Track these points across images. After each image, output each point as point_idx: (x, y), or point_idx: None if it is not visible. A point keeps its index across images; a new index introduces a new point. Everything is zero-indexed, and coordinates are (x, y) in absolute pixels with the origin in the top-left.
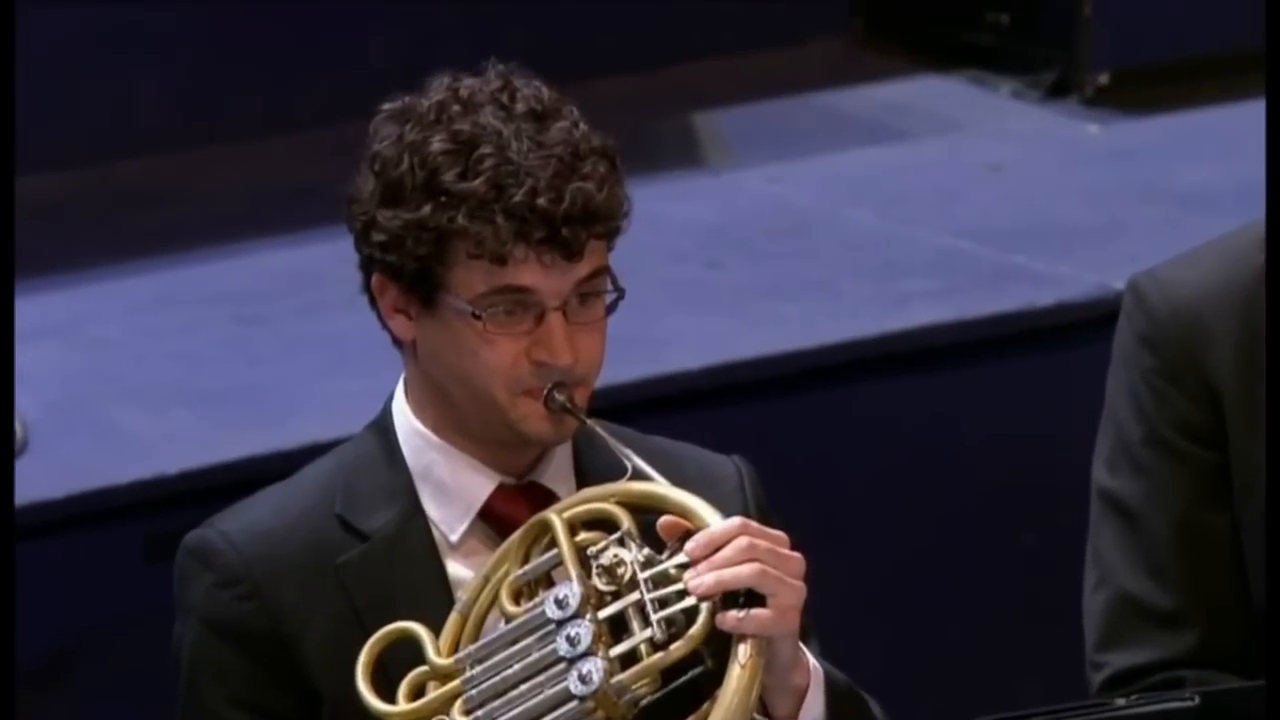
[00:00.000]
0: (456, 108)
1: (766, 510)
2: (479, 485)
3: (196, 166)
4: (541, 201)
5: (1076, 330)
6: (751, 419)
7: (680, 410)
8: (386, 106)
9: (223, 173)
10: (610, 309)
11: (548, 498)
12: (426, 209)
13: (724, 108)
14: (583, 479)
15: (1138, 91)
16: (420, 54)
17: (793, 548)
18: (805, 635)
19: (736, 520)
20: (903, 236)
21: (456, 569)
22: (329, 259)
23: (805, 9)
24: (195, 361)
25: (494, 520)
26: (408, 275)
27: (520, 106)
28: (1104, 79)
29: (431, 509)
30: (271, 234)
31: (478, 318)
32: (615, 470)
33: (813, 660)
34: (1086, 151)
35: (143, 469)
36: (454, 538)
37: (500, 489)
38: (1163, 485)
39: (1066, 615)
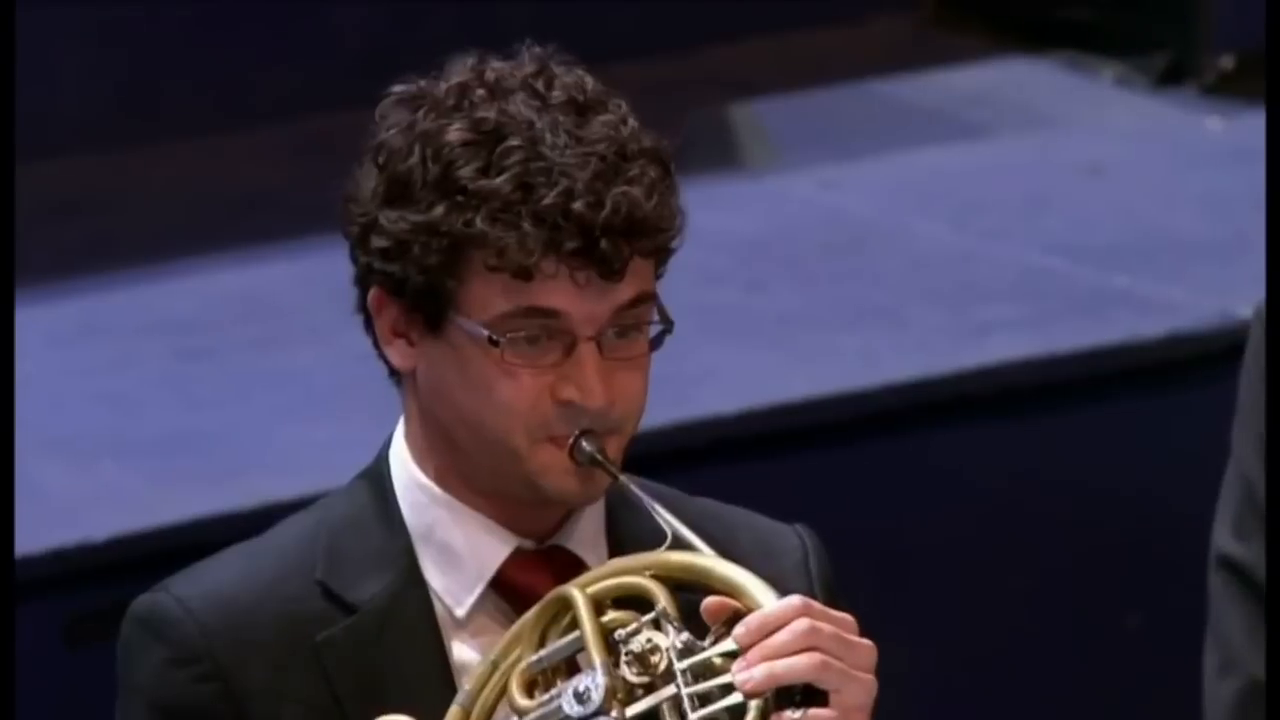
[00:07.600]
0: (481, 92)
1: (835, 591)
2: (492, 550)
3: (130, 169)
4: (577, 206)
5: (1193, 367)
6: (799, 473)
7: (713, 462)
8: (398, 89)
9: (162, 177)
10: (655, 344)
11: (575, 566)
12: (439, 210)
13: (768, 98)
14: (617, 545)
15: None
16: (401, 35)
17: (861, 633)
18: None
19: (795, 599)
20: (982, 254)
21: (462, 650)
22: (289, 281)
23: None
24: (128, 405)
25: (509, 592)
26: (412, 290)
27: (558, 95)
28: (1227, 63)
29: (434, 577)
30: (220, 250)
31: (495, 344)
32: (657, 537)
33: None
34: (1205, 150)
35: (65, 534)
36: (460, 612)
37: (517, 554)
38: None
39: (1182, 711)
